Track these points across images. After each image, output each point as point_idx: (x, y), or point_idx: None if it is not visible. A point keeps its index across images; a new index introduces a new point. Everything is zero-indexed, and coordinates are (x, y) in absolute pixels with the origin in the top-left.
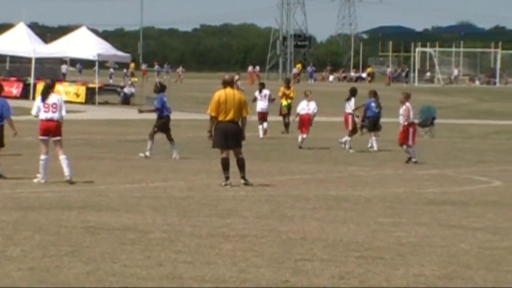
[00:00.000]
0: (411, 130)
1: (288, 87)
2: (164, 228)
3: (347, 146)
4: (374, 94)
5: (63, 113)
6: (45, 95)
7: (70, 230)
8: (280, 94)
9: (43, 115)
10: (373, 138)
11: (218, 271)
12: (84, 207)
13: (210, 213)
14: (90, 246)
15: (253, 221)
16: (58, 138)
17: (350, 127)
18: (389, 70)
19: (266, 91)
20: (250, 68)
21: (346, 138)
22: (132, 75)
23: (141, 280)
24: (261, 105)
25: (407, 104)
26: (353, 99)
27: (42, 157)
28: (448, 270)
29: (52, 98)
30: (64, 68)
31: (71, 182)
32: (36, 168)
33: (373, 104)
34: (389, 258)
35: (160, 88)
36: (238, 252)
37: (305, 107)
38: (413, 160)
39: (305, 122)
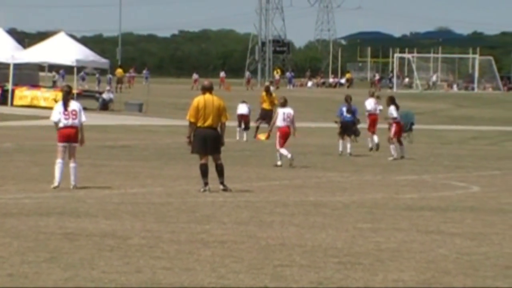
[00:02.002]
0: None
1: (269, 94)
2: (143, 234)
3: (392, 155)
4: (347, 99)
5: (83, 118)
6: (66, 102)
7: (48, 236)
8: (261, 100)
9: (63, 122)
10: (343, 140)
11: (197, 277)
12: (62, 213)
13: (189, 219)
14: (69, 252)
15: (232, 227)
16: (76, 144)
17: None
18: (377, 76)
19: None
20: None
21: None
22: (120, 81)
23: (120, 287)
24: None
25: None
26: (392, 107)
27: (59, 160)
28: (426, 276)
29: (72, 105)
30: (57, 76)
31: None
32: (14, 174)
33: (344, 109)
34: (368, 264)
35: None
36: (217, 258)
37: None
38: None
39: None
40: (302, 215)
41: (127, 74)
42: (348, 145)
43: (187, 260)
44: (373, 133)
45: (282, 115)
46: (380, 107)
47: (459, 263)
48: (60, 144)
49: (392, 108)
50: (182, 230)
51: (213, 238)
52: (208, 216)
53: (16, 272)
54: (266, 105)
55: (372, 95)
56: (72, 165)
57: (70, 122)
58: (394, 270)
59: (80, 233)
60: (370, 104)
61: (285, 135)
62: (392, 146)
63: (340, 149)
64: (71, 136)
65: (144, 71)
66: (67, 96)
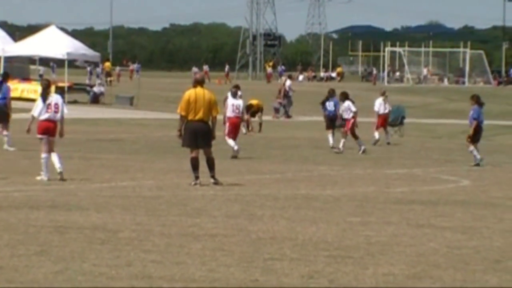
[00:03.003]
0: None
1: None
2: (134, 228)
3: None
4: (330, 92)
5: (65, 111)
6: (45, 95)
7: (39, 229)
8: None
9: (45, 116)
10: (329, 135)
11: (188, 271)
12: (53, 207)
13: (179, 212)
14: (59, 245)
15: (222, 220)
16: (53, 138)
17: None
18: (374, 70)
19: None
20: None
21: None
22: (109, 75)
23: (110, 280)
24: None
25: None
26: (347, 102)
27: (43, 155)
28: (417, 269)
29: (54, 99)
30: (42, 69)
31: (62, 179)
32: (4, 167)
33: (328, 103)
34: (358, 257)
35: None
36: (207, 251)
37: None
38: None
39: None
40: (293, 208)
41: (118, 68)
42: (333, 138)
43: (178, 253)
44: (383, 128)
45: (231, 106)
46: (387, 106)
47: (449, 257)
48: (39, 136)
49: (348, 103)
50: (172, 223)
51: (203, 231)
52: (198, 210)
53: (6, 265)
54: (253, 101)
55: (383, 94)
56: (54, 153)
57: (50, 115)
58: (384, 263)
59: (71, 226)
60: (380, 104)
61: (234, 126)
62: (343, 140)
63: (331, 142)
64: (50, 129)
65: (135, 65)
66: (46, 90)
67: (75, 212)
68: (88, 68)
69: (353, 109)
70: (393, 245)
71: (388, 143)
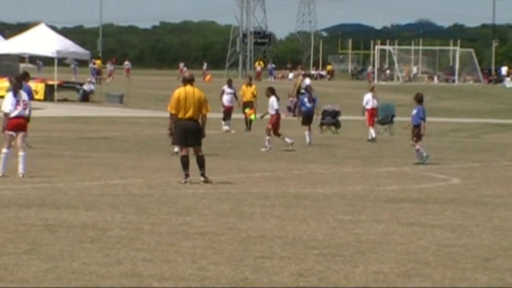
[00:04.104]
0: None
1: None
2: (123, 226)
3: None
4: (307, 89)
5: (30, 108)
6: (16, 92)
7: (28, 228)
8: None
9: (14, 112)
10: (306, 132)
11: (178, 269)
12: (42, 205)
13: (169, 210)
14: (49, 244)
15: (212, 218)
16: (24, 133)
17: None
18: (370, 68)
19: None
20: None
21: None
22: (99, 73)
23: (100, 278)
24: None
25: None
26: (273, 98)
27: (5, 150)
28: (407, 268)
29: (22, 95)
30: (22, 66)
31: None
32: None
33: (305, 99)
34: (348, 256)
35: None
36: (197, 249)
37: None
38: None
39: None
40: (283, 207)
41: (108, 66)
42: (309, 134)
43: (168, 251)
44: (371, 126)
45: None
46: (375, 101)
47: (439, 255)
48: (8, 133)
49: (273, 100)
50: (162, 221)
51: (193, 229)
52: (189, 208)
53: None
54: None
55: (372, 90)
56: (21, 153)
57: (20, 112)
58: (374, 261)
59: (61, 224)
60: (368, 99)
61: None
62: (267, 138)
63: (308, 139)
64: (20, 125)
65: (126, 63)
66: (18, 86)
67: (65, 210)
68: (72, 65)
69: (275, 106)
70: (383, 243)
71: (369, 140)
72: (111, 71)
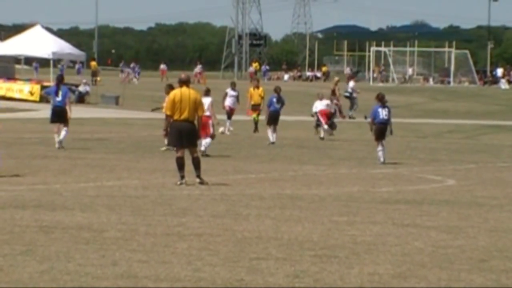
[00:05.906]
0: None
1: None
2: (119, 227)
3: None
4: (276, 90)
5: None
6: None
7: (24, 229)
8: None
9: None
10: (270, 131)
11: (173, 270)
12: (38, 206)
13: (165, 212)
14: (45, 245)
15: (208, 220)
16: None
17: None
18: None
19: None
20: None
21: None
22: (95, 74)
23: (96, 279)
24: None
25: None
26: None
27: None
28: (402, 269)
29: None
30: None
31: None
32: None
33: (274, 100)
34: (344, 257)
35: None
36: (193, 251)
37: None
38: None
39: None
40: (278, 208)
41: (127, 69)
42: (274, 135)
43: (163, 253)
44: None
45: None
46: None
47: (434, 256)
48: None
49: (208, 100)
50: (158, 223)
51: (189, 231)
52: (184, 209)
53: None
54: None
55: (321, 98)
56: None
57: None
58: (369, 263)
59: (56, 226)
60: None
61: (204, 125)
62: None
63: (271, 139)
64: None
65: (121, 64)
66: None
67: (61, 211)
68: (59, 66)
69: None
70: (378, 245)
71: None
72: (129, 73)
